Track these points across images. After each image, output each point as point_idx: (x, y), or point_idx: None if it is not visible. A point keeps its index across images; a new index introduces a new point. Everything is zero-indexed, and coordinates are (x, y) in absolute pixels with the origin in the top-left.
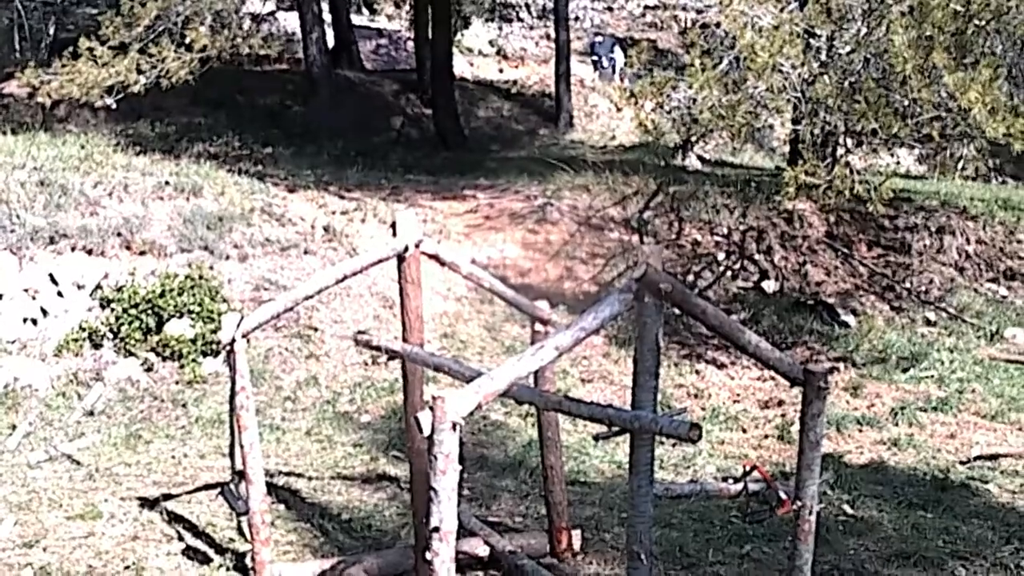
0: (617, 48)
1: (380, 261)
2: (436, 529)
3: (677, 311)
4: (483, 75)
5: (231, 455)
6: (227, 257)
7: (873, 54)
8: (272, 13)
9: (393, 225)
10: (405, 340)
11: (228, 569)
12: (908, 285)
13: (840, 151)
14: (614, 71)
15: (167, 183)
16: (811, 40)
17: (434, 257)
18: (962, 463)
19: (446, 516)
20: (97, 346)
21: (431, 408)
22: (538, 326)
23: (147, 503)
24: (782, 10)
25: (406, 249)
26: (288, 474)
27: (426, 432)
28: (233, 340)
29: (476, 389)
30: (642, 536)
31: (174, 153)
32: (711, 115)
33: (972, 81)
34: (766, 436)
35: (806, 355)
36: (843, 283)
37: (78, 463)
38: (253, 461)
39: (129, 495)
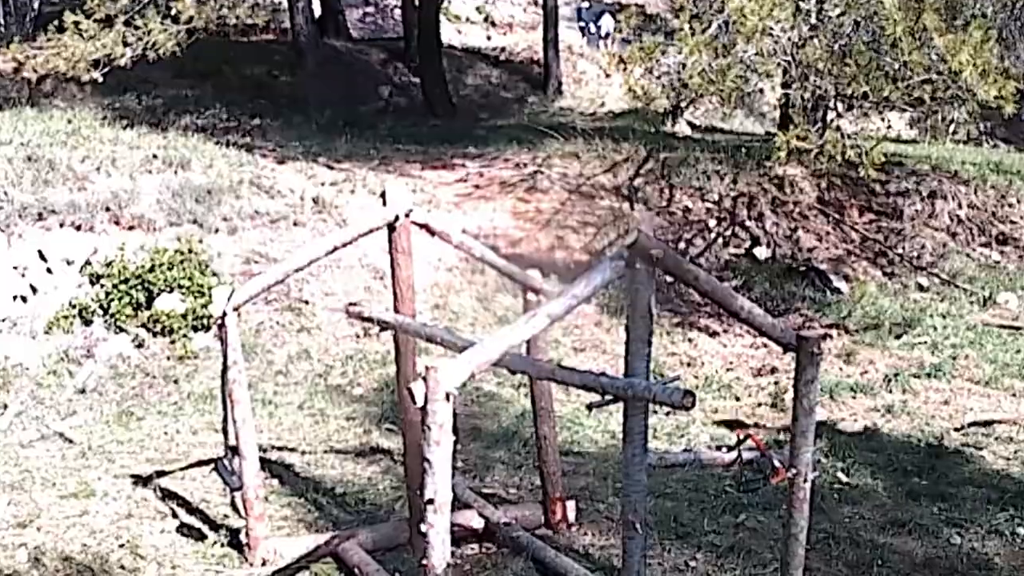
0: (606, 15)
1: (371, 231)
2: (431, 501)
3: (669, 279)
4: (471, 42)
5: (224, 430)
6: (216, 230)
7: (863, 17)
8: None
9: (383, 195)
10: (397, 311)
11: (223, 545)
12: (900, 250)
13: (831, 115)
14: (600, 38)
15: (155, 156)
16: (800, 3)
17: (424, 227)
18: (956, 429)
19: (440, 488)
20: (87, 323)
21: (424, 379)
22: (530, 295)
23: (140, 480)
24: None
25: (396, 219)
26: (281, 449)
27: (419, 403)
28: (224, 314)
29: (469, 359)
30: (637, 505)
31: (161, 126)
32: (701, 80)
33: (963, 43)
34: (760, 404)
35: (799, 322)
36: (835, 249)
37: (70, 441)
38: (246, 436)
39: (122, 472)
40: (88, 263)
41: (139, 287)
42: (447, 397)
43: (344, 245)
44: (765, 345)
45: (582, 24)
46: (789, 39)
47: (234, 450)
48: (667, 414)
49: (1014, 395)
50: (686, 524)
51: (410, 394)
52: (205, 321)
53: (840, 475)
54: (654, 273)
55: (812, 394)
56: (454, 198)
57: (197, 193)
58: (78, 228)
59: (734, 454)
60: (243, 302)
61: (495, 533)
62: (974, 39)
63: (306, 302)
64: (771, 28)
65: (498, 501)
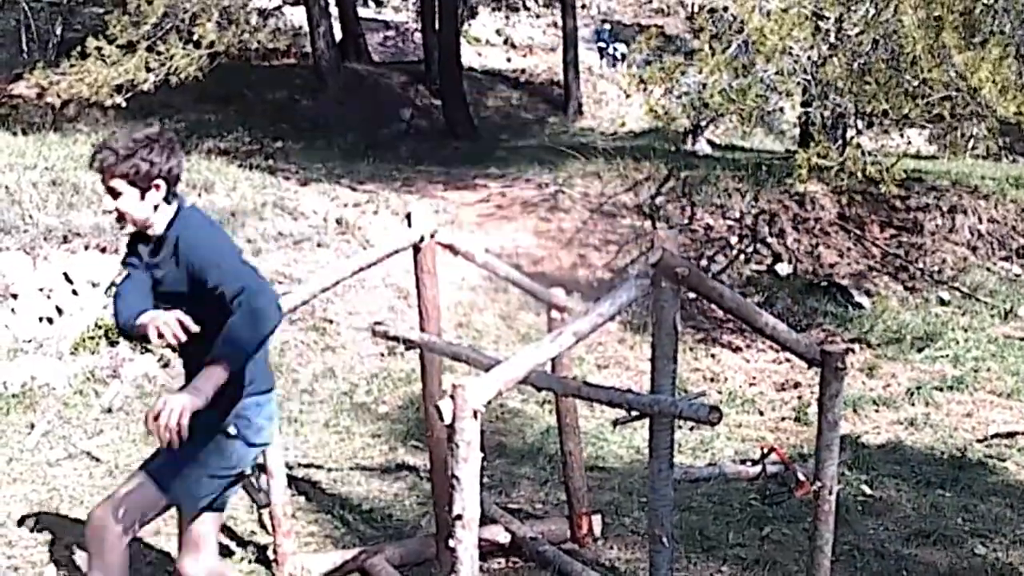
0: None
1: (396, 252)
2: (459, 517)
3: (692, 295)
4: (491, 64)
5: None
6: (240, 252)
7: (882, 35)
8: (279, 7)
9: (408, 216)
10: (422, 330)
11: (250, 561)
12: (921, 265)
13: (851, 133)
14: (615, 61)
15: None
16: (820, 22)
17: (449, 247)
18: (979, 441)
19: (468, 504)
20: (113, 343)
21: (451, 396)
22: (554, 313)
23: None
24: None
25: (421, 239)
26: (307, 466)
27: (447, 420)
28: None
29: (496, 376)
30: (663, 519)
31: (185, 149)
32: (721, 99)
33: (982, 60)
34: (783, 418)
35: (821, 337)
36: (856, 264)
37: (97, 460)
38: (274, 453)
39: None
40: (113, 284)
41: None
42: (474, 414)
43: (370, 266)
44: (788, 360)
45: (601, 45)
46: (809, 58)
47: (261, 467)
48: (691, 429)
49: None
50: (711, 537)
51: (437, 412)
52: None
53: (864, 488)
54: (679, 291)
55: (836, 408)
56: (476, 218)
57: (221, 215)
58: (103, 250)
59: (758, 468)
60: None
61: (521, 547)
62: (993, 56)
63: (331, 321)
64: (791, 47)
65: (524, 516)
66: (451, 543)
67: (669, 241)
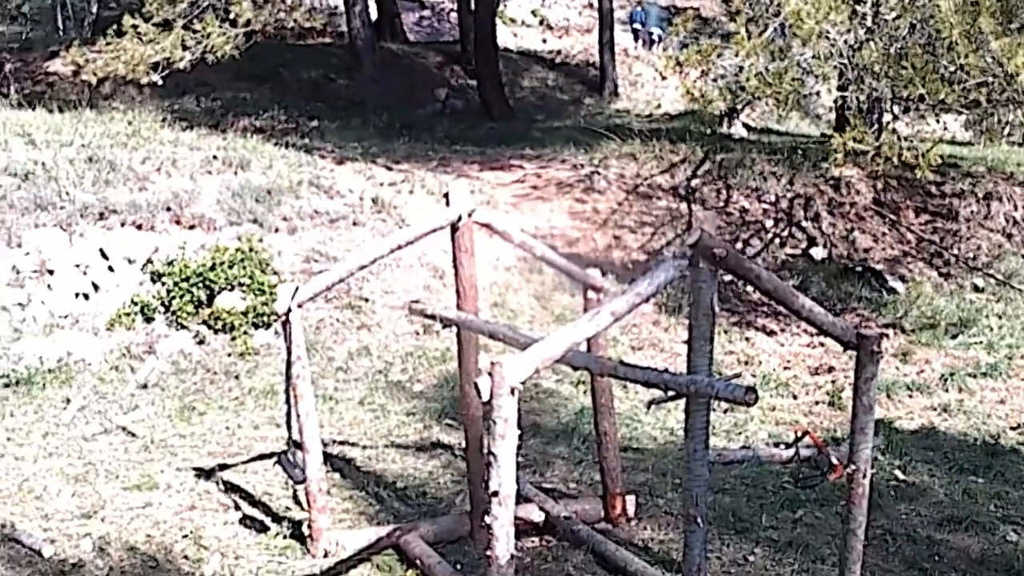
0: (655, 19)
1: (434, 231)
2: (495, 493)
3: (727, 278)
4: (527, 45)
5: (287, 424)
6: (276, 230)
7: (919, 20)
8: None
9: (446, 195)
10: (459, 308)
11: (285, 537)
12: (956, 251)
13: (887, 118)
14: (651, 42)
15: (215, 157)
16: (857, 6)
17: (487, 226)
18: (1012, 428)
19: (505, 480)
20: (149, 320)
21: (489, 374)
22: (591, 294)
23: (203, 473)
24: None
25: (459, 219)
26: (342, 443)
27: (485, 397)
28: (289, 310)
29: (534, 354)
30: (698, 500)
31: (220, 128)
32: (758, 82)
33: (1019, 46)
34: (817, 402)
35: (855, 321)
36: (891, 249)
37: (133, 435)
38: (310, 430)
39: (185, 466)
40: (149, 261)
41: (200, 285)
42: (512, 392)
43: (408, 244)
44: (822, 344)
45: (636, 27)
46: (846, 42)
47: (297, 444)
48: (725, 412)
49: None
50: (744, 519)
51: (476, 389)
52: (265, 318)
53: (897, 472)
54: (716, 272)
55: (871, 392)
56: (512, 199)
57: (257, 193)
58: (139, 227)
59: (792, 451)
60: (308, 298)
61: (555, 526)
62: None
63: (366, 300)
64: (827, 31)
65: (558, 495)
66: (487, 519)
67: (707, 222)
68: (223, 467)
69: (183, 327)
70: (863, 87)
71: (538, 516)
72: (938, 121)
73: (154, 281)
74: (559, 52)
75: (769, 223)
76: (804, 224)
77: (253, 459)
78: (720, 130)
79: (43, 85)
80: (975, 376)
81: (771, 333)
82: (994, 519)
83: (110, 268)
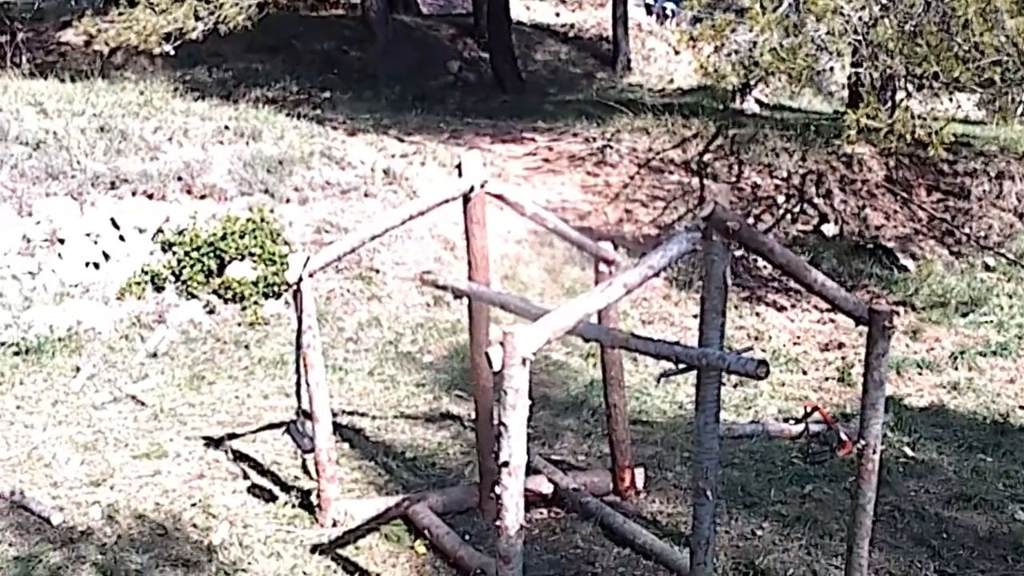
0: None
1: (446, 201)
2: (505, 464)
3: (737, 254)
4: (540, 19)
5: (297, 394)
6: (287, 200)
7: None
8: None
9: (458, 166)
10: (470, 279)
11: (294, 506)
12: (967, 230)
13: (900, 95)
14: (664, 17)
15: (226, 128)
16: None
17: (499, 197)
18: (1021, 407)
19: (515, 451)
20: (159, 289)
21: (501, 344)
22: (602, 266)
23: (212, 442)
24: None
25: (472, 189)
26: (352, 413)
27: (496, 367)
28: (300, 279)
29: (545, 325)
30: (708, 472)
31: (232, 98)
32: (772, 58)
33: None
34: (826, 378)
35: (866, 298)
36: (902, 227)
37: (142, 404)
38: (319, 400)
39: (194, 435)
40: (160, 231)
41: (211, 255)
42: (523, 362)
43: (419, 214)
44: (833, 320)
45: (650, 1)
46: (860, 18)
47: (306, 413)
48: (735, 386)
49: None
50: (753, 494)
51: (487, 359)
52: (276, 288)
53: (906, 449)
54: (729, 245)
55: (882, 367)
56: (523, 171)
57: (268, 164)
58: (150, 197)
59: (801, 426)
60: (319, 268)
61: (564, 498)
62: None
63: (376, 271)
64: (842, 7)
65: (567, 468)
66: (497, 489)
67: (721, 195)
68: (232, 436)
69: (193, 296)
70: (877, 64)
71: (547, 488)
72: (951, 99)
73: (165, 250)
74: (572, 26)
75: (781, 199)
76: (816, 201)
77: (262, 428)
78: (733, 105)
79: (55, 55)
80: (985, 355)
81: (781, 309)
82: (1002, 497)
83: (121, 237)
